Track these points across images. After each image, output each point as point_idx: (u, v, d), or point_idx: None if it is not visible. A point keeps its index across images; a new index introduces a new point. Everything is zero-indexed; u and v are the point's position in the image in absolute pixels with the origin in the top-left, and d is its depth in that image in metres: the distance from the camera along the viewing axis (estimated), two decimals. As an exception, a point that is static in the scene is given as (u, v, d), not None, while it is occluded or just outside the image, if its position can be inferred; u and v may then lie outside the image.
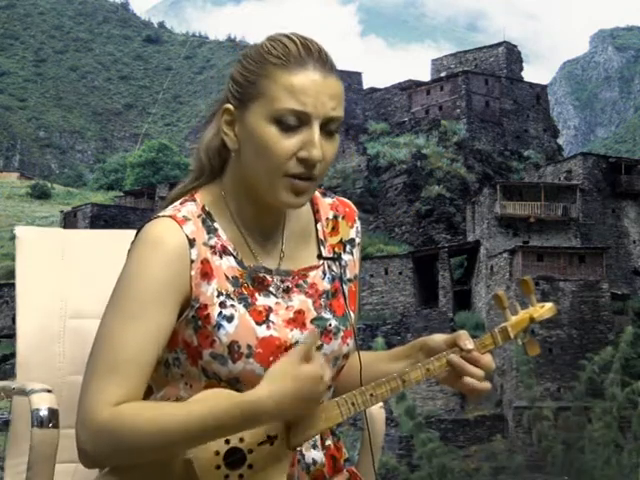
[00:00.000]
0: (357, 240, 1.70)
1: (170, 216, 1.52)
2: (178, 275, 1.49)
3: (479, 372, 1.57)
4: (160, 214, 1.54)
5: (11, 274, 46.87)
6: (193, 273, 1.50)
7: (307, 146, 1.48)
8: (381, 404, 1.82)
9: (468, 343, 1.57)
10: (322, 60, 1.51)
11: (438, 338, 1.62)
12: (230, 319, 1.50)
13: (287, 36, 1.53)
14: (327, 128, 1.50)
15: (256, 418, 1.40)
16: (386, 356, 1.69)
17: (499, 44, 78.73)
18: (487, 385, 1.59)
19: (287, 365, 1.42)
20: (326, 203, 1.69)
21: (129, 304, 1.47)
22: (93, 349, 1.48)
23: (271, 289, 1.56)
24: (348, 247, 1.68)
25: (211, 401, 1.42)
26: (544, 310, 1.64)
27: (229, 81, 1.56)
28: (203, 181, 1.60)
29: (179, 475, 1.46)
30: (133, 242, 1.53)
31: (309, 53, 1.50)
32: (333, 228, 1.67)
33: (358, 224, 1.71)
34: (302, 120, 1.48)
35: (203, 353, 1.50)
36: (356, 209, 1.73)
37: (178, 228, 1.51)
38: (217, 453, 1.46)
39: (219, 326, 1.49)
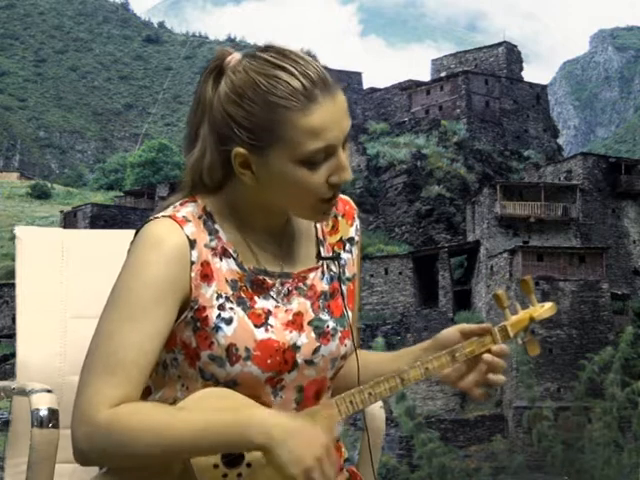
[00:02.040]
0: (356, 238, 1.69)
1: (170, 216, 1.51)
2: (177, 275, 1.48)
3: (503, 365, 1.59)
4: (160, 214, 1.53)
5: (11, 274, 46.88)
6: (193, 274, 1.49)
7: (337, 172, 1.48)
8: (381, 404, 1.82)
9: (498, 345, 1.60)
10: (323, 81, 1.47)
11: (453, 329, 1.62)
12: (229, 322, 1.49)
13: (281, 68, 1.46)
14: (344, 142, 1.50)
15: (252, 438, 1.38)
16: (391, 357, 1.68)
17: (499, 44, 78.79)
18: (503, 377, 1.60)
19: (303, 414, 1.44)
20: (327, 202, 1.69)
21: (128, 304, 1.46)
22: (91, 348, 1.47)
23: (271, 293, 1.55)
24: (347, 245, 1.67)
25: (209, 414, 1.41)
26: (544, 310, 1.63)
27: (230, 122, 1.48)
28: (202, 192, 1.57)
29: (177, 474, 1.46)
30: (132, 242, 1.52)
31: (312, 82, 1.46)
32: (333, 227, 1.66)
33: (357, 222, 1.70)
34: (328, 152, 1.47)
35: (201, 354, 1.49)
36: (355, 206, 1.72)
37: (178, 228, 1.50)
38: (213, 454, 1.46)
39: (217, 328, 1.49)
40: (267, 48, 1.50)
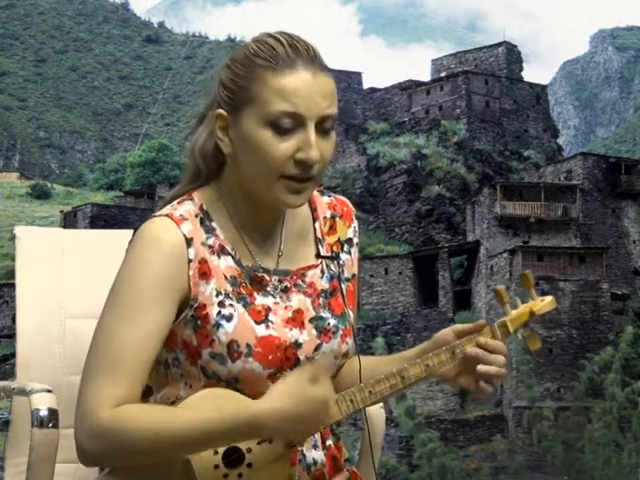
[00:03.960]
0: (355, 240, 1.69)
1: (167, 215, 1.52)
2: (176, 274, 1.49)
3: (500, 359, 1.56)
4: (157, 213, 1.54)
5: (11, 274, 46.85)
6: (191, 273, 1.50)
7: (304, 148, 1.48)
8: (381, 404, 1.82)
9: (482, 339, 1.58)
10: (311, 58, 1.50)
11: (447, 330, 1.61)
12: (229, 318, 1.50)
13: (273, 36, 1.52)
14: (322, 127, 1.50)
15: (254, 432, 1.40)
16: (389, 359, 1.68)
17: (499, 44, 78.78)
18: (504, 371, 1.58)
19: (294, 383, 1.41)
20: (324, 202, 1.69)
21: (127, 303, 1.47)
22: (91, 348, 1.48)
23: (269, 289, 1.56)
24: (346, 246, 1.67)
25: (210, 411, 1.41)
26: (544, 304, 1.62)
27: (219, 86, 1.55)
28: (200, 183, 1.60)
29: (178, 475, 1.46)
30: (130, 241, 1.53)
31: (297, 53, 1.49)
32: (331, 227, 1.67)
33: (355, 223, 1.70)
34: (297, 122, 1.47)
35: (202, 352, 1.50)
36: (353, 208, 1.72)
37: (175, 227, 1.51)
38: (216, 452, 1.46)
39: (218, 325, 1.49)
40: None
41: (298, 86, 1.47)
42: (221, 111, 1.52)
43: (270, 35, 1.53)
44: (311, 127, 1.48)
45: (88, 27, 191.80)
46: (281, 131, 1.47)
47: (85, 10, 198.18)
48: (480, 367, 1.56)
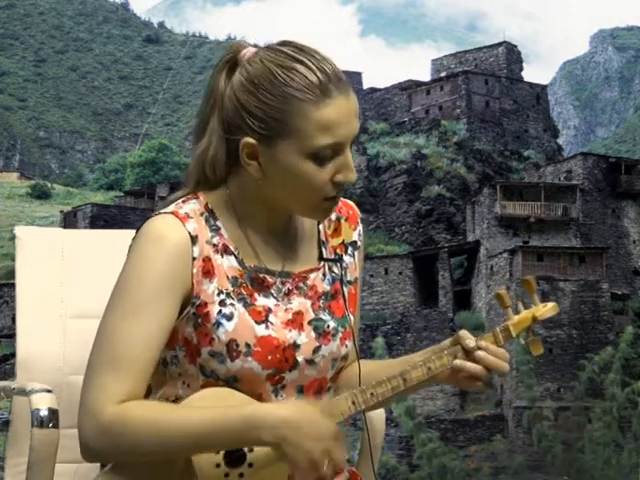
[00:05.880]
0: (359, 243, 1.69)
1: (172, 212, 1.52)
2: (179, 271, 1.48)
3: (501, 364, 1.55)
4: (162, 211, 1.53)
5: (11, 274, 46.85)
6: (195, 270, 1.50)
7: (343, 170, 1.49)
8: (381, 404, 1.81)
9: (470, 342, 1.56)
10: (338, 78, 1.49)
11: (446, 340, 1.61)
12: (229, 318, 1.50)
13: (298, 60, 1.48)
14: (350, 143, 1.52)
15: (254, 430, 1.38)
16: (389, 363, 1.67)
17: (499, 44, 78.85)
18: (489, 375, 1.57)
19: (308, 405, 1.43)
20: (329, 204, 1.69)
21: (131, 300, 1.47)
22: (95, 345, 1.48)
23: (272, 291, 1.55)
24: (350, 249, 1.67)
25: (214, 410, 1.41)
26: (546, 309, 1.62)
27: (241, 111, 1.49)
28: (205, 188, 1.58)
29: (179, 473, 1.46)
30: (134, 238, 1.52)
31: (328, 77, 1.47)
32: (335, 229, 1.67)
33: (360, 227, 1.70)
34: (336, 150, 1.48)
35: (202, 351, 1.49)
36: (359, 211, 1.72)
37: (180, 224, 1.50)
38: (217, 451, 1.46)
39: (218, 324, 1.49)
40: (284, 43, 1.52)
41: (338, 116, 1.46)
42: (251, 140, 1.49)
43: (294, 58, 1.48)
44: (348, 150, 1.50)
45: (88, 27, 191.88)
46: (321, 161, 1.48)
47: (85, 10, 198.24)
48: (457, 362, 1.54)
